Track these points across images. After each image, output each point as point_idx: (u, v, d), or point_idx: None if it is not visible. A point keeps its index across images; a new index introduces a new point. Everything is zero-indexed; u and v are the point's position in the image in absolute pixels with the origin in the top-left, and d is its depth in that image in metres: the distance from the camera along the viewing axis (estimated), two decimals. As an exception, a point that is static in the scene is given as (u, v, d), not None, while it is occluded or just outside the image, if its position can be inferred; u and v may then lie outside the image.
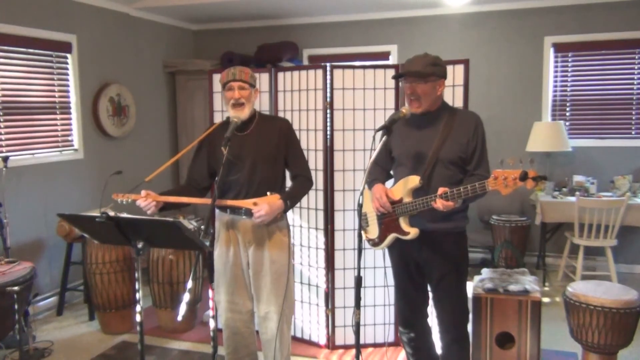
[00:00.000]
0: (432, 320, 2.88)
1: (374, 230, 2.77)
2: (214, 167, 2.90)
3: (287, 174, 3.00)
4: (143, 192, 2.64)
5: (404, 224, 2.61)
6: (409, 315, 2.84)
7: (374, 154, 2.54)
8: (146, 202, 2.63)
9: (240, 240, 2.87)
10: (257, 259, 2.85)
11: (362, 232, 2.85)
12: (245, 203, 2.72)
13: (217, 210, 2.96)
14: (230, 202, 2.77)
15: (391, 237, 2.68)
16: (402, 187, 2.60)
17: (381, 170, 2.82)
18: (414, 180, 2.55)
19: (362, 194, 2.47)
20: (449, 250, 2.65)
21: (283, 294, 2.84)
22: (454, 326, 2.72)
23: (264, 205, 2.65)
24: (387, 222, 2.67)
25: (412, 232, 2.59)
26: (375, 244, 2.78)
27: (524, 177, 2.22)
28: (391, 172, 2.83)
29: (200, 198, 2.83)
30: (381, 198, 2.60)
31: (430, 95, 2.58)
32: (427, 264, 2.69)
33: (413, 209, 2.55)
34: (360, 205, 2.46)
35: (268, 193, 2.72)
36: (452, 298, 2.69)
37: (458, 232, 2.67)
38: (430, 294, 2.79)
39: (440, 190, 2.42)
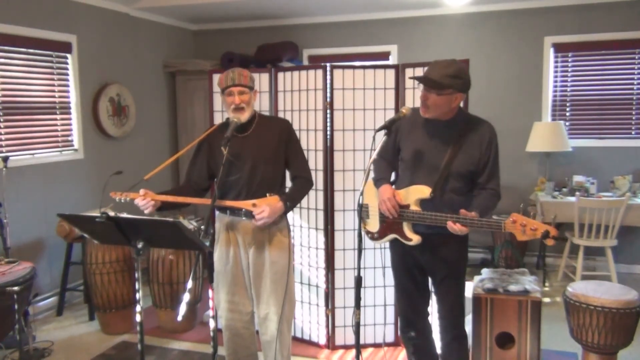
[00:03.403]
0: (432, 319, 2.89)
1: (374, 224, 2.77)
2: (213, 168, 2.90)
3: (287, 174, 3.00)
4: (142, 191, 2.63)
5: (407, 229, 2.61)
6: (410, 315, 2.84)
7: (375, 153, 2.53)
8: (144, 201, 2.62)
9: (241, 242, 2.87)
10: (257, 260, 2.85)
11: (362, 223, 2.84)
12: (245, 204, 2.72)
13: (217, 212, 2.96)
14: (229, 203, 2.77)
15: (391, 236, 2.68)
16: (411, 195, 2.59)
17: (387, 165, 2.81)
18: (424, 192, 2.53)
19: (362, 193, 2.47)
20: (451, 253, 2.65)
21: (283, 295, 2.84)
22: (454, 325, 2.74)
23: (265, 208, 2.65)
24: (390, 222, 2.67)
25: (415, 239, 2.59)
26: (373, 238, 2.78)
27: (545, 236, 2.24)
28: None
29: (198, 198, 2.82)
30: (391, 200, 2.58)
31: (441, 107, 2.51)
32: (429, 265, 2.70)
33: (421, 220, 2.54)
34: (360, 205, 2.46)
35: (267, 194, 2.72)
36: (453, 298, 2.71)
37: (460, 235, 2.67)
38: (432, 293, 2.80)
39: (462, 211, 2.40)
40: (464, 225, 2.39)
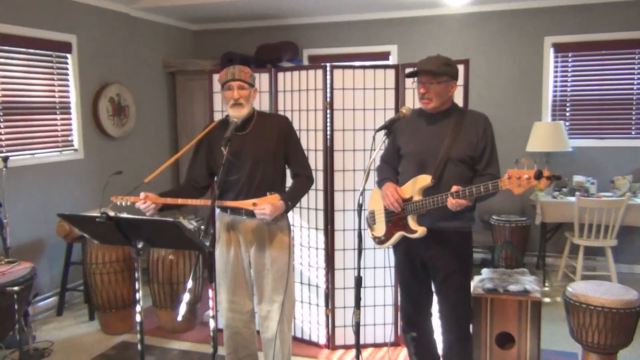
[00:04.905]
0: (435, 320, 2.89)
1: (380, 228, 2.77)
2: (212, 166, 2.90)
3: (288, 172, 3.00)
4: (142, 195, 2.64)
5: (412, 222, 2.62)
6: (412, 314, 2.85)
7: (375, 154, 2.54)
8: (145, 204, 2.63)
9: (242, 241, 2.87)
10: (258, 259, 2.85)
11: (369, 229, 2.86)
12: (245, 204, 2.72)
13: (217, 211, 2.96)
14: (229, 203, 2.77)
15: (398, 235, 2.68)
16: (412, 186, 2.61)
17: (389, 168, 2.82)
18: (425, 179, 2.56)
19: (362, 194, 2.47)
20: (455, 249, 2.66)
21: (284, 294, 2.84)
22: (457, 325, 2.73)
23: (267, 205, 2.65)
24: (395, 220, 2.68)
25: (420, 231, 2.59)
26: (381, 242, 2.78)
27: (538, 175, 2.21)
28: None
29: (199, 198, 2.82)
30: (394, 194, 2.61)
31: (442, 96, 2.60)
32: (433, 262, 2.69)
33: (423, 207, 2.55)
34: (360, 205, 2.46)
35: (268, 193, 2.72)
36: (456, 297, 2.70)
37: (464, 231, 2.68)
38: (435, 293, 2.79)
39: (454, 188, 2.42)
40: (463, 198, 2.40)
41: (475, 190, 2.37)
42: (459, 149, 2.58)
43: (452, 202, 2.41)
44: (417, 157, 2.66)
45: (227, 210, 2.85)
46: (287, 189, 2.95)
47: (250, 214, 2.73)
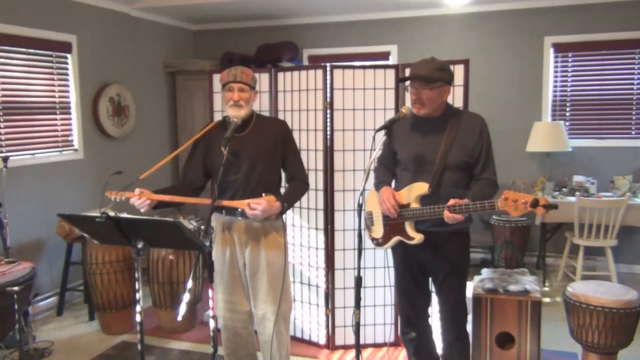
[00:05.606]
0: (433, 320, 2.89)
1: (378, 230, 2.77)
2: (209, 166, 2.89)
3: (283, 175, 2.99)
4: (137, 190, 2.63)
5: (409, 228, 2.62)
6: (411, 315, 2.85)
7: (375, 154, 2.54)
8: (140, 200, 2.62)
9: (237, 241, 2.87)
10: (253, 259, 2.85)
11: (367, 230, 2.86)
12: (241, 204, 2.72)
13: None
14: (225, 203, 2.76)
15: (395, 239, 2.68)
16: (410, 193, 2.60)
17: (386, 170, 2.82)
18: (422, 188, 2.55)
19: (362, 194, 2.47)
20: (453, 251, 2.66)
21: (280, 295, 2.84)
22: (456, 325, 2.74)
23: (262, 201, 2.64)
24: (393, 224, 2.68)
25: (417, 238, 2.59)
26: (378, 244, 2.78)
27: (535, 204, 2.26)
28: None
29: (194, 198, 2.82)
30: (390, 200, 2.60)
31: (435, 101, 2.57)
32: (431, 264, 2.70)
33: (421, 215, 2.56)
34: (360, 205, 2.46)
35: (263, 194, 2.71)
36: (455, 297, 2.71)
37: (462, 233, 2.68)
38: (434, 293, 2.80)
39: (451, 201, 2.42)
40: (460, 213, 2.40)
41: (472, 207, 2.39)
42: (455, 156, 2.57)
43: (448, 216, 2.43)
44: (413, 164, 2.65)
45: (222, 210, 2.85)
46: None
47: (245, 215, 2.72)
